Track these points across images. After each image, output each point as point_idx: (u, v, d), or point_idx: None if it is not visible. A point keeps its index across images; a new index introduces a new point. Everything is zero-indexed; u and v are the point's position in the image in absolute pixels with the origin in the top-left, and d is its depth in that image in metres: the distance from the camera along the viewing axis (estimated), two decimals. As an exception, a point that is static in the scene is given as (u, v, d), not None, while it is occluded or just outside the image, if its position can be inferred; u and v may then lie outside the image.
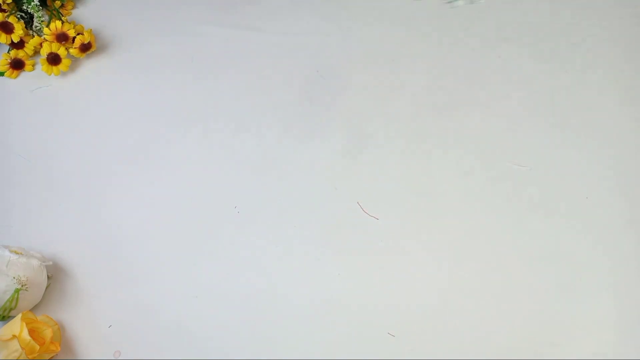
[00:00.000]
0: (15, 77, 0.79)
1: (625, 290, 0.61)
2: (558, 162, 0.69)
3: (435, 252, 0.64)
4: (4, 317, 0.58)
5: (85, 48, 0.78)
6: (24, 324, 0.55)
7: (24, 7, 0.79)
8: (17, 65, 0.79)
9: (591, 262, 0.63)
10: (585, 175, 0.68)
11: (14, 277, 0.57)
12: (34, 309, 0.60)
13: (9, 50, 0.79)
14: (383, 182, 0.68)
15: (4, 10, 0.79)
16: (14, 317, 0.57)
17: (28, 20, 0.80)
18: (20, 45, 0.79)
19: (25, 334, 0.55)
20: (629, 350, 0.58)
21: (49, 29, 0.77)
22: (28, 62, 0.79)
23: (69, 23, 0.79)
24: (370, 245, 0.64)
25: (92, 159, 0.71)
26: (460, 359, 0.58)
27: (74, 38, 0.78)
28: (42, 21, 0.80)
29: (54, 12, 0.81)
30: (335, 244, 0.64)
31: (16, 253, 0.59)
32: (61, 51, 0.77)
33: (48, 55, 0.77)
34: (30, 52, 0.79)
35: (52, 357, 0.58)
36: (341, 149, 0.70)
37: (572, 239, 0.64)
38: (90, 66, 0.79)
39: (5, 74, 0.78)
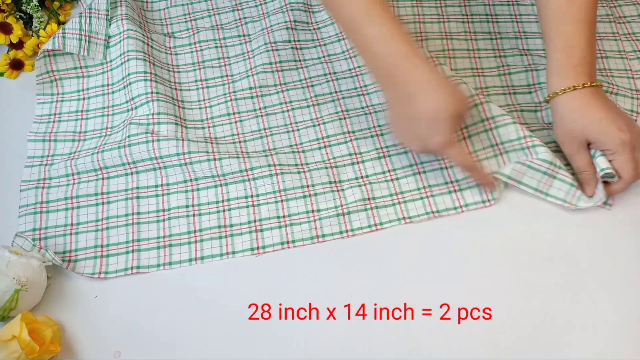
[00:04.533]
0: (15, 78, 0.79)
1: (625, 290, 0.61)
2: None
3: (434, 251, 0.64)
4: (3, 317, 0.58)
5: (81, 50, 0.78)
6: (24, 324, 0.55)
7: (23, 8, 0.79)
8: (17, 65, 0.78)
9: (591, 262, 0.63)
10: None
11: (13, 278, 0.57)
12: (34, 309, 0.60)
13: (8, 50, 0.79)
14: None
15: (3, 11, 0.79)
16: (14, 317, 0.57)
17: (27, 21, 0.80)
18: (19, 45, 0.79)
19: (25, 335, 0.55)
20: (629, 350, 0.58)
21: (45, 32, 0.77)
22: (27, 63, 0.79)
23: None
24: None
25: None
26: (460, 359, 0.58)
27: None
28: (41, 22, 0.80)
29: (53, 13, 0.81)
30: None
31: (16, 253, 0.59)
32: (58, 53, 0.77)
33: (45, 57, 0.77)
34: (30, 53, 0.79)
35: (52, 357, 0.58)
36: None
37: (572, 240, 0.64)
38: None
39: (5, 74, 0.78)
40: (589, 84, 0.64)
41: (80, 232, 0.65)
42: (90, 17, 0.77)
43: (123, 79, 0.74)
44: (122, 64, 0.75)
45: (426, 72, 0.61)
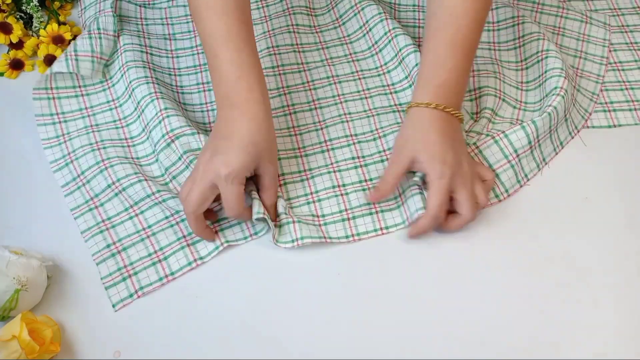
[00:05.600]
0: (15, 78, 0.79)
1: (625, 291, 0.61)
2: (559, 162, 0.69)
3: (434, 252, 0.64)
4: (3, 317, 0.58)
5: (81, 50, 0.78)
6: (24, 324, 0.55)
7: (23, 8, 0.79)
8: (17, 65, 0.79)
9: (591, 262, 0.63)
10: (585, 175, 0.69)
11: (13, 278, 0.57)
12: (34, 309, 0.60)
13: (8, 50, 0.79)
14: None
15: (3, 11, 0.79)
16: (14, 317, 0.57)
17: (27, 21, 0.80)
18: (19, 45, 0.79)
19: (25, 335, 0.55)
20: (629, 351, 0.58)
21: (46, 31, 0.77)
22: (27, 63, 0.79)
23: (66, 25, 0.79)
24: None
25: (91, 159, 0.71)
26: (460, 359, 0.58)
27: (70, 40, 0.78)
28: (41, 22, 0.80)
29: (53, 13, 0.81)
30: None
31: (16, 253, 0.59)
32: (58, 53, 0.77)
33: (45, 57, 0.77)
34: (29, 53, 0.79)
35: (52, 357, 0.58)
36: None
37: (572, 240, 0.64)
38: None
39: (5, 74, 0.78)
40: (442, 107, 0.62)
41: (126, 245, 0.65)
42: (100, 38, 0.75)
43: (126, 89, 0.74)
44: (122, 75, 0.74)
45: (255, 109, 0.62)
